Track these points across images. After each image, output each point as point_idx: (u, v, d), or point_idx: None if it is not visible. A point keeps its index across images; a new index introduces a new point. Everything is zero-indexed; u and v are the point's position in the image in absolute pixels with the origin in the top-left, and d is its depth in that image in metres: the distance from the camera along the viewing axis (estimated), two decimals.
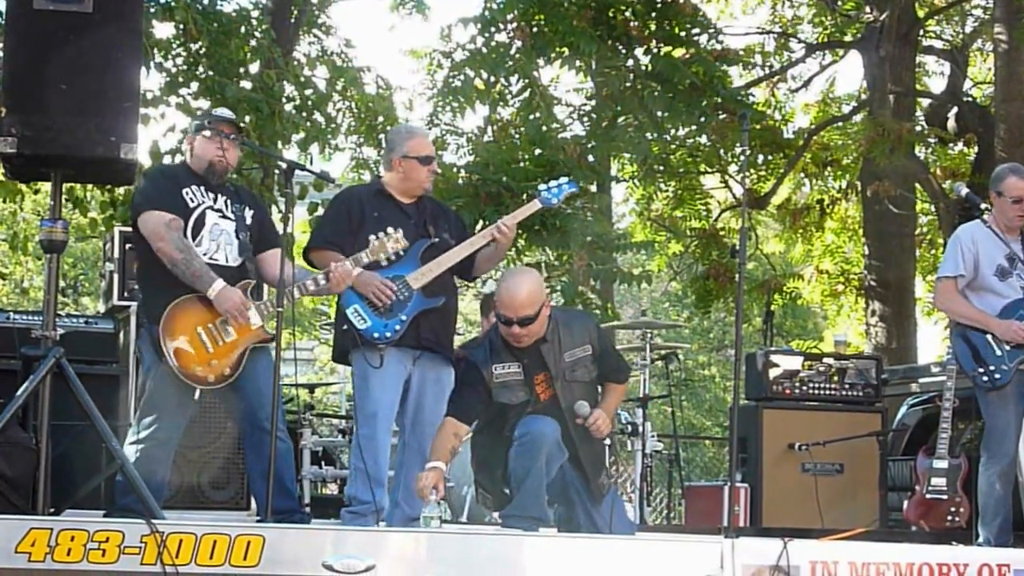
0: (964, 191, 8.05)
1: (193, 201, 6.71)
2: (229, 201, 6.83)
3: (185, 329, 6.53)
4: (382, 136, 14.33)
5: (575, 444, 6.87)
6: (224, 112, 7.02)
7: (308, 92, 13.78)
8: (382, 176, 7.38)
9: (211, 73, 12.95)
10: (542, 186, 7.58)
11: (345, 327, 7.01)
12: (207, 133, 6.80)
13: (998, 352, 7.76)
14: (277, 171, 6.94)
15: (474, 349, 7.16)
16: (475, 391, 6.83)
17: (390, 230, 6.84)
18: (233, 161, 6.92)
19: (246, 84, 13.18)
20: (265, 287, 7.45)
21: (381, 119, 14.67)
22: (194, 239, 6.67)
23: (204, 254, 6.67)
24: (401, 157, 7.22)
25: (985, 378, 7.78)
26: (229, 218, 6.79)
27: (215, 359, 6.56)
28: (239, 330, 6.60)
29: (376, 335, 6.95)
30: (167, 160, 12.60)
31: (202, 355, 6.55)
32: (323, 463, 10.90)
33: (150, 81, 13.02)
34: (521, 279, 6.75)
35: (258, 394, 6.61)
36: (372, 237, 6.84)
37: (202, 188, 6.77)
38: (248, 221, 6.85)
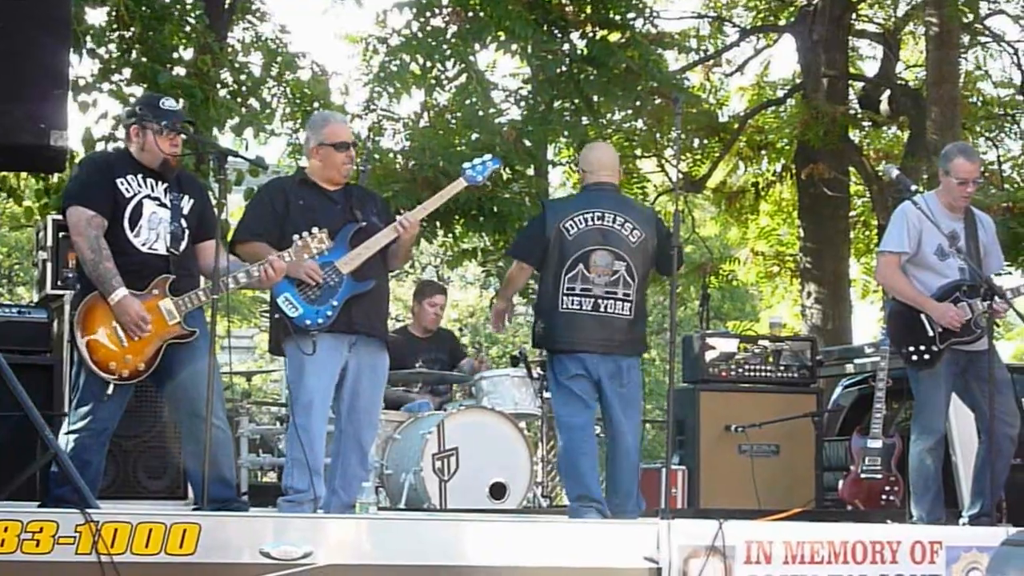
0: (895, 173, 8.12)
1: (129, 191, 6.64)
2: (168, 189, 6.76)
3: (101, 322, 6.48)
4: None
5: None
6: (174, 106, 6.88)
7: (243, 77, 13.69)
8: (305, 167, 7.35)
9: (144, 59, 12.83)
10: (466, 164, 7.59)
11: (277, 316, 7.00)
12: (161, 131, 6.69)
13: (931, 332, 7.83)
14: (211, 157, 6.83)
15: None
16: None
17: (315, 230, 6.79)
18: (178, 153, 6.85)
19: (180, 70, 13.07)
20: (202, 278, 7.39)
21: (317, 104, 14.58)
22: (132, 229, 6.60)
23: (143, 244, 6.60)
24: (317, 145, 7.21)
25: (916, 357, 7.85)
26: (166, 206, 6.73)
27: (129, 354, 6.51)
28: (155, 325, 6.55)
29: (308, 322, 6.94)
30: (100, 147, 12.49)
31: (117, 349, 6.50)
32: (261, 451, 10.86)
33: (82, 68, 12.91)
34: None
35: (195, 383, 6.57)
36: (296, 237, 6.78)
37: (140, 176, 6.68)
38: (185, 210, 6.77)
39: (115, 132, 12.71)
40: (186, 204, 6.79)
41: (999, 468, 7.70)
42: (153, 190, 6.70)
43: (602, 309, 7.55)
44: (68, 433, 6.56)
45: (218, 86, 13.25)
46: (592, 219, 7.57)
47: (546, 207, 7.76)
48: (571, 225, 7.54)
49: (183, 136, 6.78)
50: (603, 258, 7.54)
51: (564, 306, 7.53)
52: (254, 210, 7.26)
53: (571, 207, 7.65)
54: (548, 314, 7.57)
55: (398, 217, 7.21)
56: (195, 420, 6.53)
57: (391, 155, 14.04)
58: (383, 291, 7.28)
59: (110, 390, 6.51)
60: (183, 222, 6.74)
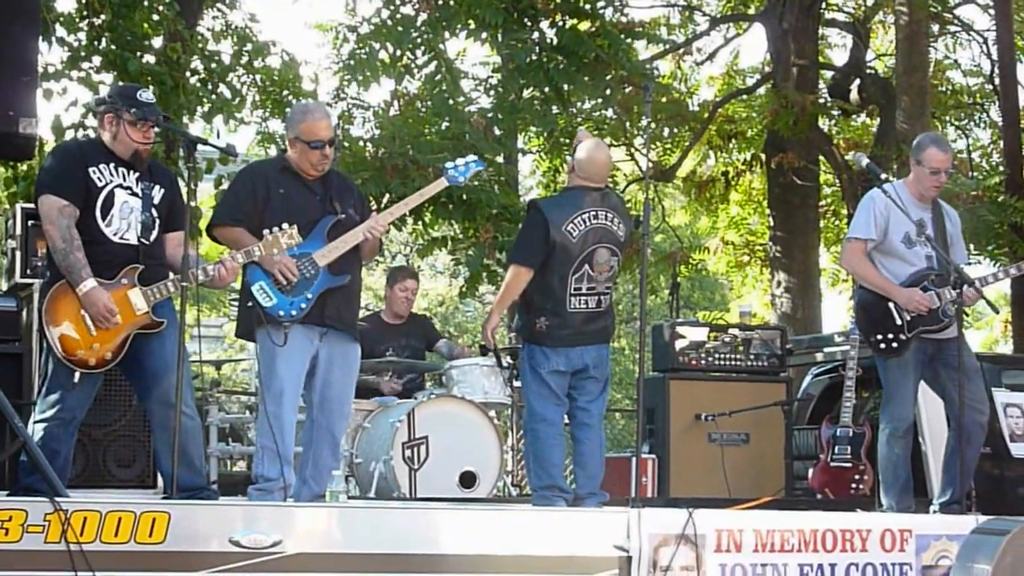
0: (865, 162, 8.12)
1: (101, 180, 6.61)
2: (139, 178, 6.73)
3: (69, 311, 6.46)
4: (288, 110, 14.23)
5: None
6: (151, 98, 6.80)
7: (213, 65, 13.64)
8: (287, 152, 7.32)
9: (114, 47, 12.78)
10: (448, 164, 7.56)
11: (250, 304, 6.97)
12: (136, 122, 6.65)
13: (898, 320, 7.84)
14: (181, 145, 6.81)
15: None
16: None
17: (284, 226, 6.76)
18: (152, 144, 6.83)
19: (150, 58, 13.03)
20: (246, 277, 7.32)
21: (287, 93, 14.54)
22: (104, 218, 6.58)
23: (114, 233, 6.58)
24: (294, 138, 7.17)
25: (884, 345, 7.86)
26: (137, 196, 6.70)
27: (97, 343, 6.48)
28: (123, 314, 6.53)
29: (282, 313, 6.92)
30: (70, 134, 12.44)
31: (85, 338, 6.47)
32: (230, 440, 10.84)
33: (52, 55, 12.86)
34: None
35: (164, 371, 6.55)
36: (267, 232, 6.76)
37: (112, 165, 6.66)
38: (156, 200, 6.74)
39: (84, 120, 12.66)
40: (157, 194, 6.76)
41: (969, 456, 7.71)
42: (125, 179, 6.68)
43: (603, 305, 7.66)
44: (37, 422, 6.53)
45: (188, 74, 13.21)
46: (590, 219, 7.59)
47: (544, 210, 7.67)
48: (573, 227, 7.56)
49: (156, 128, 6.76)
50: (603, 256, 7.61)
51: (573, 306, 7.59)
52: (235, 194, 7.20)
53: (569, 208, 7.62)
54: (555, 314, 7.57)
55: (367, 223, 7.15)
56: (165, 408, 6.52)
57: (361, 143, 14.01)
58: (356, 286, 7.27)
59: (76, 378, 6.48)
60: (154, 212, 6.72)
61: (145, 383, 6.70)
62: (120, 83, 11.51)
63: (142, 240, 6.66)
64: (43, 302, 6.51)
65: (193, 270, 6.53)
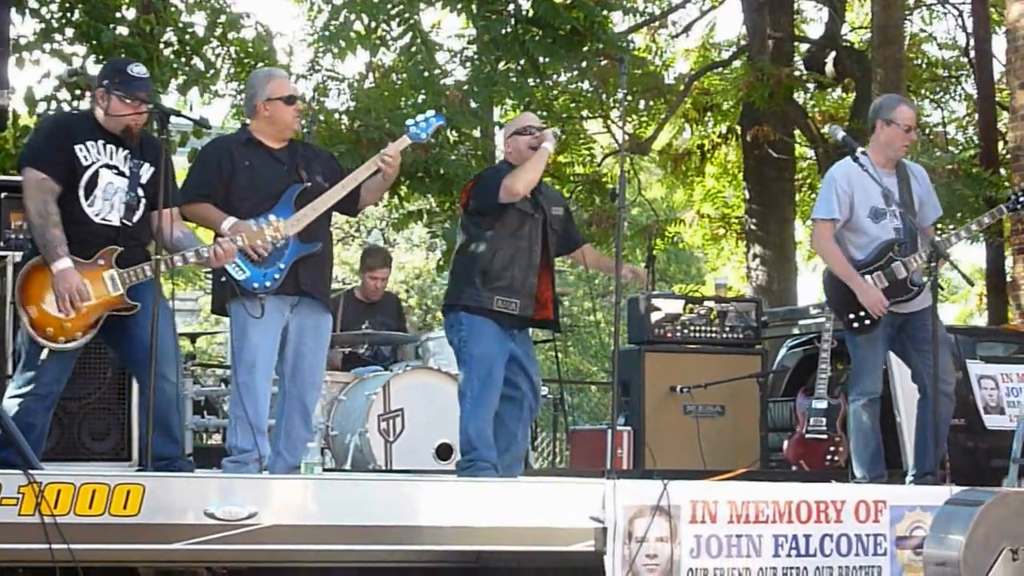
0: (840, 134, 8.12)
1: (87, 159, 6.55)
2: (128, 156, 6.66)
3: (44, 287, 6.42)
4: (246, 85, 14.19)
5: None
6: (143, 73, 6.71)
7: (187, 37, 13.58)
8: (249, 124, 7.29)
9: (87, 18, 12.71)
10: (409, 121, 7.57)
11: (223, 279, 6.95)
12: (125, 98, 6.57)
13: None
14: (154, 117, 6.73)
15: (496, 167, 8.02)
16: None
17: (271, 217, 6.76)
18: (143, 121, 6.71)
19: (123, 30, 12.97)
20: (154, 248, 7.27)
21: (261, 65, 14.48)
22: (87, 198, 6.53)
23: (96, 214, 6.52)
24: (265, 100, 7.13)
25: (856, 324, 7.89)
26: (124, 175, 6.63)
27: (68, 322, 6.44)
28: (98, 295, 6.49)
29: (256, 285, 6.89)
30: (42, 107, 12.41)
31: (56, 315, 6.41)
32: (205, 413, 10.83)
33: (24, 27, 12.79)
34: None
35: (157, 343, 6.52)
36: (252, 222, 6.75)
37: (100, 143, 6.59)
38: (143, 179, 6.67)
39: (57, 93, 12.61)
40: (145, 173, 6.69)
41: (940, 426, 7.76)
42: (112, 157, 6.62)
43: None
44: (12, 397, 6.51)
45: (162, 46, 13.15)
46: None
47: None
48: None
49: (149, 105, 6.67)
50: None
51: None
52: (200, 170, 7.17)
53: None
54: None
55: (380, 153, 7.20)
56: (157, 380, 6.48)
57: (336, 116, 13.97)
58: (328, 253, 7.25)
59: (44, 356, 6.44)
60: (140, 191, 6.65)
61: (135, 356, 6.63)
62: (113, 59, 11.45)
63: (124, 221, 6.60)
64: (18, 277, 6.47)
65: (170, 256, 6.51)
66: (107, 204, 6.57)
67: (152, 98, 6.67)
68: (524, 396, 7.66)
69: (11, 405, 6.47)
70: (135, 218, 6.64)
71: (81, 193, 6.53)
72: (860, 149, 7.88)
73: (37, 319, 6.43)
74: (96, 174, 6.56)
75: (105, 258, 6.53)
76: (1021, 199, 8.23)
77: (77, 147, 6.55)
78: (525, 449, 7.78)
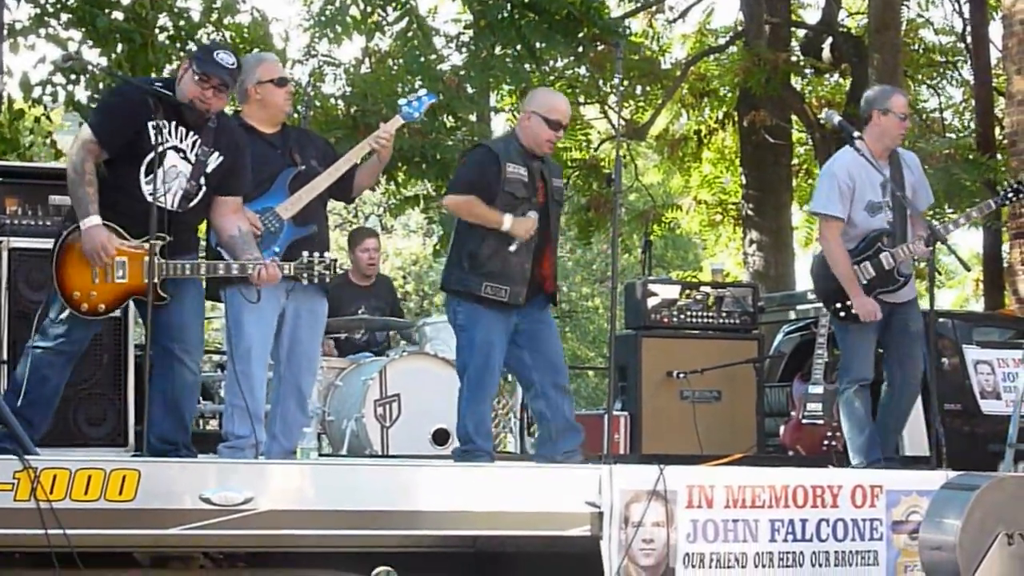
0: (837, 119, 8.13)
1: (157, 137, 6.42)
2: (199, 142, 6.55)
3: (78, 254, 6.38)
4: None
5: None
6: (225, 60, 6.55)
7: (181, 22, 13.56)
8: (241, 110, 7.27)
9: (81, 3, 12.69)
10: (402, 101, 7.56)
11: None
12: (196, 76, 6.48)
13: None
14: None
15: (495, 142, 7.88)
16: (493, 173, 7.26)
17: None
18: (216, 108, 6.59)
19: (118, 15, 12.95)
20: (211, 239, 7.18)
21: (257, 50, 14.46)
22: (146, 175, 6.42)
23: (150, 193, 6.38)
24: (255, 83, 7.10)
25: (844, 313, 7.93)
26: (189, 161, 6.53)
27: (95, 291, 6.41)
28: (132, 276, 6.45)
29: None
30: (37, 92, 12.43)
31: (85, 281, 6.40)
32: (201, 399, 10.81)
33: (19, 12, 12.77)
34: (560, 95, 7.88)
35: (181, 322, 6.50)
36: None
37: (174, 124, 6.48)
38: (209, 168, 6.56)
39: (52, 77, 12.60)
40: (213, 161, 6.58)
41: (904, 413, 8.14)
42: (182, 141, 6.52)
43: None
44: (34, 347, 6.49)
45: (157, 31, 13.13)
46: None
47: None
48: None
49: (224, 94, 6.57)
50: None
51: None
52: None
53: None
54: None
55: (374, 133, 7.20)
56: (168, 358, 6.47)
57: (332, 101, 13.95)
58: (323, 236, 7.22)
59: (64, 314, 6.42)
60: (201, 180, 6.55)
61: (155, 336, 6.53)
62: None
63: (178, 208, 6.49)
64: (62, 237, 6.44)
65: (213, 263, 6.57)
66: (164, 186, 6.44)
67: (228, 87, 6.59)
68: (531, 368, 7.47)
69: (30, 355, 6.48)
70: (189, 205, 6.54)
71: (142, 169, 6.43)
72: (856, 134, 7.91)
73: (67, 281, 6.39)
74: (163, 154, 6.43)
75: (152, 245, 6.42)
76: (1010, 194, 8.30)
77: (150, 123, 6.44)
78: (556, 428, 7.46)
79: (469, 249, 7.32)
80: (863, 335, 7.98)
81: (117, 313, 6.82)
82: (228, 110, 7.13)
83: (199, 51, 6.81)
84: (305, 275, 6.59)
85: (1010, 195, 8.31)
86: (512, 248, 7.21)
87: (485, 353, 7.33)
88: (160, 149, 6.39)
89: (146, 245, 6.37)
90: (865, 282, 7.89)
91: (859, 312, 7.83)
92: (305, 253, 6.65)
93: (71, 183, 6.40)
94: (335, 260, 6.67)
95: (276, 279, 6.58)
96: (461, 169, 7.74)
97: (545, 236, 7.43)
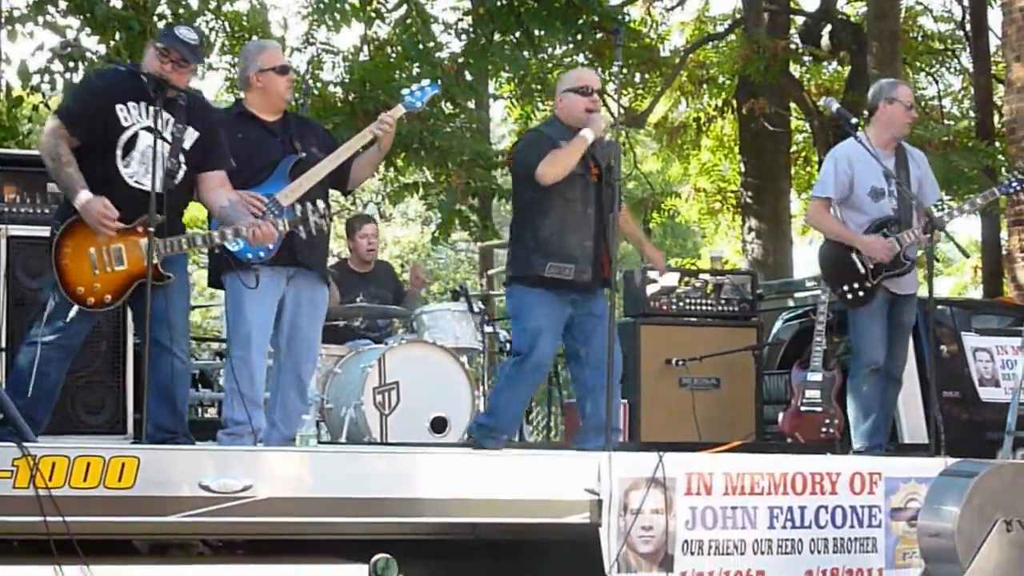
0: (835, 106, 8.14)
1: (127, 120, 6.45)
2: (172, 120, 6.54)
3: (79, 247, 6.38)
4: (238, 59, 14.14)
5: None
6: (185, 35, 6.59)
7: (180, 10, 13.53)
8: (243, 98, 7.26)
9: None
10: (405, 90, 7.57)
11: (218, 250, 6.93)
12: (157, 51, 6.51)
13: (862, 269, 7.93)
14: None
15: (540, 127, 7.94)
16: (549, 147, 7.31)
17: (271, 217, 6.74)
18: (180, 83, 6.57)
19: (117, 2, 12.93)
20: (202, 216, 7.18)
21: (256, 37, 14.44)
22: (123, 159, 6.44)
23: (131, 176, 6.42)
24: (257, 72, 7.12)
25: (851, 296, 7.94)
26: (166, 140, 6.51)
27: (98, 283, 6.41)
28: (131, 262, 6.44)
29: (250, 255, 6.87)
30: (36, 80, 12.40)
31: (86, 275, 6.40)
32: (200, 386, 10.81)
33: None
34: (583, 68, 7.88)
35: (167, 311, 6.48)
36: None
37: (143, 104, 6.49)
38: (187, 144, 6.57)
39: (51, 65, 12.57)
40: (189, 137, 6.59)
41: (889, 403, 8.21)
42: (156, 120, 6.48)
43: None
44: (33, 344, 6.48)
45: (155, 18, 13.10)
46: None
47: None
48: None
49: (186, 70, 6.57)
50: None
51: None
52: None
53: None
54: None
55: (378, 119, 7.19)
56: (155, 347, 6.45)
57: (331, 88, 13.94)
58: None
59: (73, 313, 6.42)
60: (182, 157, 6.55)
61: (143, 323, 6.55)
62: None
63: (158, 188, 6.45)
64: (55, 234, 6.41)
65: (208, 232, 6.52)
66: (142, 168, 6.44)
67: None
68: (583, 365, 7.55)
69: (30, 351, 6.47)
70: (173, 183, 6.51)
71: (118, 153, 6.44)
72: (854, 121, 7.95)
73: (70, 278, 6.39)
74: (135, 136, 6.45)
75: (144, 225, 6.40)
76: (1014, 184, 8.30)
77: (118, 107, 6.45)
78: (588, 426, 7.49)
79: (531, 232, 7.39)
80: (872, 318, 8.01)
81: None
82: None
83: (164, 31, 6.77)
84: (302, 227, 6.60)
85: (1015, 184, 8.31)
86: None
87: (532, 339, 7.38)
88: (133, 128, 6.44)
89: (140, 228, 6.39)
90: (872, 266, 7.91)
91: (868, 250, 7.88)
92: (298, 205, 6.69)
93: (52, 171, 6.42)
94: (329, 208, 6.69)
95: (272, 238, 6.62)
96: (520, 152, 7.69)
97: (600, 217, 7.46)
